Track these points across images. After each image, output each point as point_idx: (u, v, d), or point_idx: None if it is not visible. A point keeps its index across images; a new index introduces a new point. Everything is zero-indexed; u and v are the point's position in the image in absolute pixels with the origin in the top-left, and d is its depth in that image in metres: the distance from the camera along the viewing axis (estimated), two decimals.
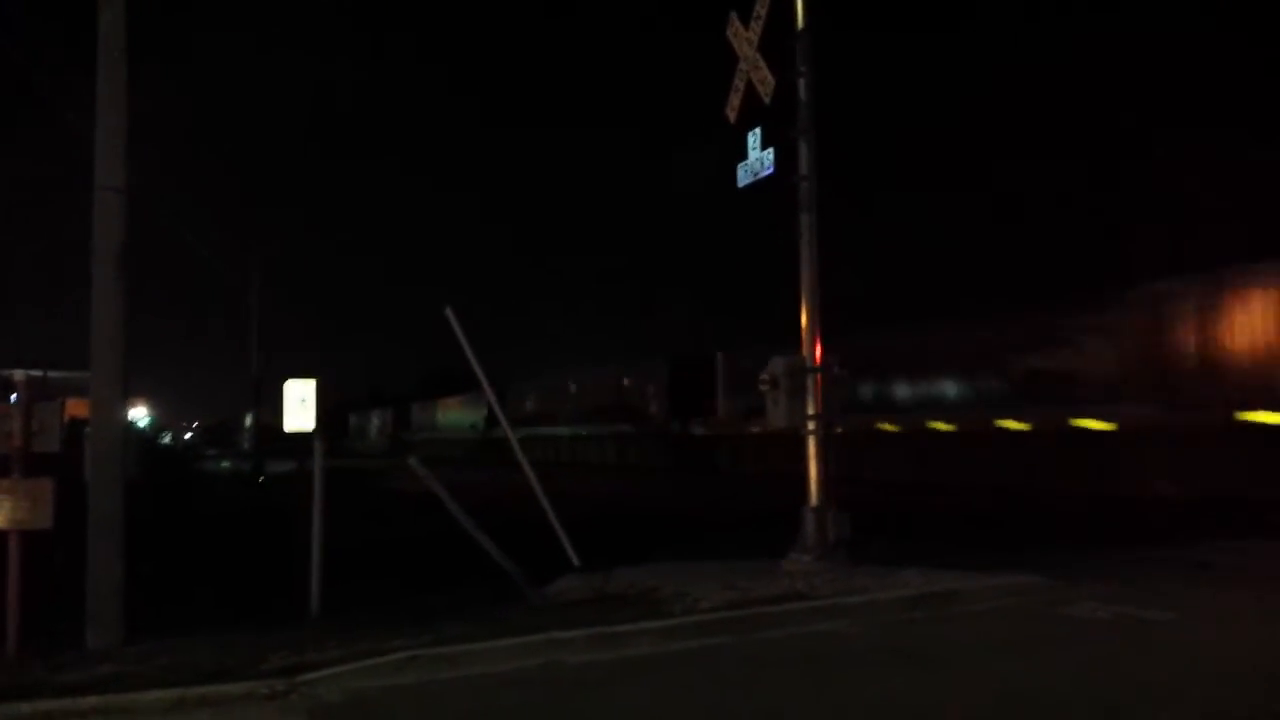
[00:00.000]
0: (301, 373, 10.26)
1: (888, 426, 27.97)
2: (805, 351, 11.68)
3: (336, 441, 66.70)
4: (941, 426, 26.60)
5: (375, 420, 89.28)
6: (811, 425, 11.56)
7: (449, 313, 11.38)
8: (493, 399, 12.26)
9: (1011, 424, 24.32)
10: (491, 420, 60.06)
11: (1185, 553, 12.61)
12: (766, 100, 12.02)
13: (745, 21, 12.32)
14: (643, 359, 44.20)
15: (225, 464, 55.28)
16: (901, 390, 28.12)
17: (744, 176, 12.47)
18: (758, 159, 12.29)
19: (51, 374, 26.07)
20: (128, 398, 9.52)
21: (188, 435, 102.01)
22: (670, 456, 39.75)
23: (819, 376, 11.61)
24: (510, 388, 52.22)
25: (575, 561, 11.01)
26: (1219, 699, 6.73)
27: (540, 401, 53.70)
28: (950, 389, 26.81)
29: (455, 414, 67.26)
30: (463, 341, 11.39)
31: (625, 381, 44.34)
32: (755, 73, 12.11)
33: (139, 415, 45.56)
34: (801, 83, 11.86)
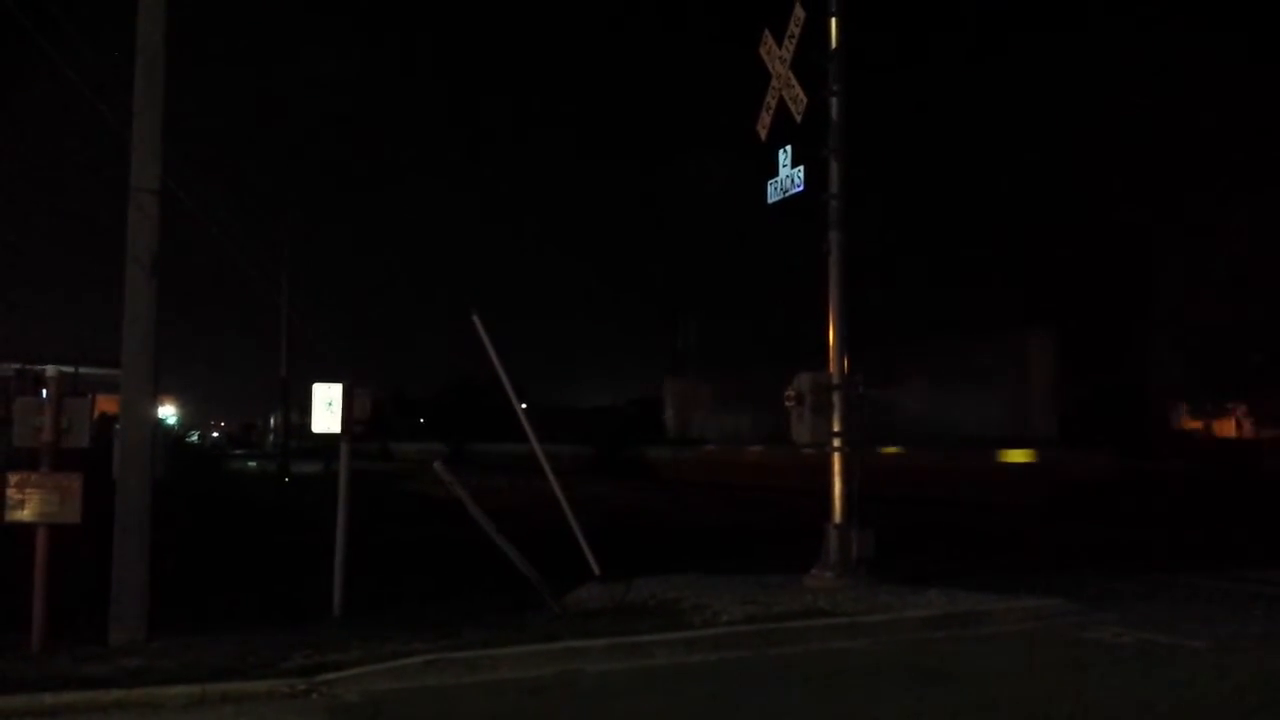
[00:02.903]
0: (328, 375, 10.35)
1: None
2: (832, 368, 11.67)
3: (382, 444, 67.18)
4: None
5: None
6: (836, 442, 11.54)
7: (475, 317, 11.42)
8: (518, 407, 12.24)
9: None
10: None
11: (1207, 580, 12.50)
12: (798, 118, 12.05)
13: (779, 40, 12.35)
14: None
15: (252, 464, 55.68)
16: None
17: (773, 193, 12.51)
18: (788, 176, 12.32)
19: (82, 370, 26.29)
20: (157, 395, 9.62)
21: (214, 435, 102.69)
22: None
23: (843, 394, 11.60)
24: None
25: (596, 570, 11.02)
26: None
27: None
28: None
29: None
30: (488, 346, 11.43)
31: None
32: (788, 90, 12.14)
33: (167, 413, 45.90)
34: (833, 102, 11.87)
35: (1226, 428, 29.95)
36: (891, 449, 29.02)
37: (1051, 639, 9.37)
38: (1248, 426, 30.09)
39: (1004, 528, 19.74)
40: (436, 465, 10.53)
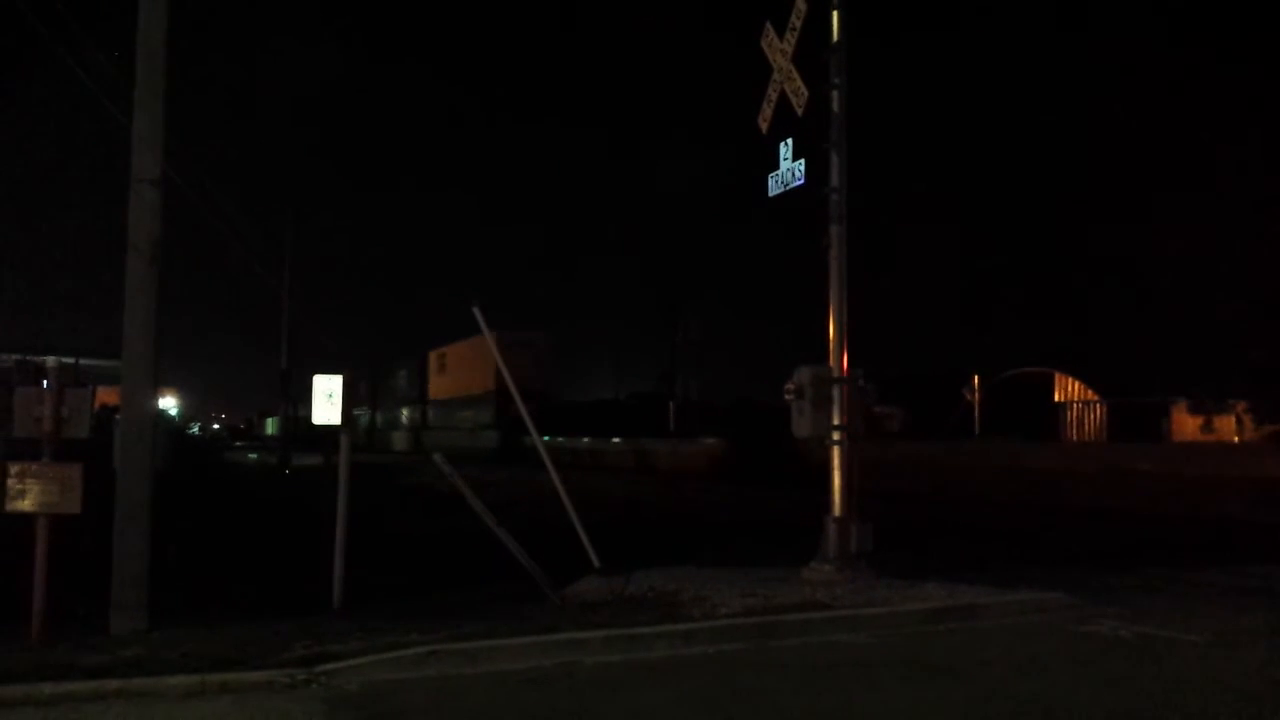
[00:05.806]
0: (330, 368, 10.33)
1: None
2: (832, 362, 11.67)
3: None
4: None
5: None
6: (836, 435, 11.55)
7: (475, 310, 11.42)
8: (517, 396, 12.22)
9: None
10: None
11: (1207, 575, 12.52)
12: (799, 111, 12.02)
13: (780, 32, 12.33)
14: None
15: (252, 455, 55.74)
16: None
17: (774, 186, 12.48)
18: (789, 169, 12.29)
19: (83, 361, 26.32)
20: (158, 387, 9.62)
21: (215, 426, 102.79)
22: None
23: (844, 387, 11.60)
24: None
25: (596, 563, 11.03)
26: None
27: None
28: None
29: None
30: (489, 339, 11.44)
31: None
32: (789, 83, 12.12)
33: (168, 405, 45.97)
34: (835, 95, 11.85)
35: (1227, 424, 29.95)
36: None
37: (1051, 632, 9.39)
38: (1249, 423, 30.12)
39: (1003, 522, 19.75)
40: (436, 457, 10.53)
